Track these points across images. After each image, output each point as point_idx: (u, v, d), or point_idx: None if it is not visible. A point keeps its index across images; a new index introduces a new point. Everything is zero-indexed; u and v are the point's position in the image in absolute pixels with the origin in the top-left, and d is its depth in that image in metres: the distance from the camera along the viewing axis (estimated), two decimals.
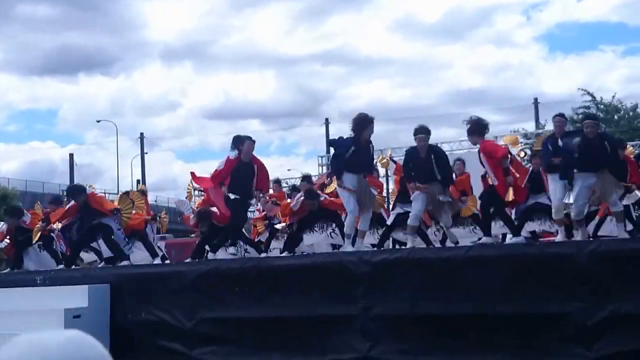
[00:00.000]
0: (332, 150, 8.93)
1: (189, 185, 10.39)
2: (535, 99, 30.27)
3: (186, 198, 10.81)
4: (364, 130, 7.66)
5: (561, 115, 8.21)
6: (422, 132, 7.83)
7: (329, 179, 9.31)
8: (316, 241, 9.23)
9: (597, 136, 7.01)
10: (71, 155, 42.26)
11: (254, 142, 8.77)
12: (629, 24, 70.92)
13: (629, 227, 8.01)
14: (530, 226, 9.04)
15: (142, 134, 42.25)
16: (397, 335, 6.59)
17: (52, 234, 10.37)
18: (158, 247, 11.01)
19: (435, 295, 6.46)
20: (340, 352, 6.75)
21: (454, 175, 9.01)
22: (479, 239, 7.84)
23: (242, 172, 8.54)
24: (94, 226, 9.18)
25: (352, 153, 7.59)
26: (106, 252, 9.63)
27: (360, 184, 7.70)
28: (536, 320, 6.09)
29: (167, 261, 10.26)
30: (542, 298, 6.07)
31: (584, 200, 7.07)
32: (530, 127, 27.19)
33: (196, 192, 10.83)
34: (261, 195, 9.20)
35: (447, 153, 9.06)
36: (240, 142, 8.63)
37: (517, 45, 72.65)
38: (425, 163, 7.69)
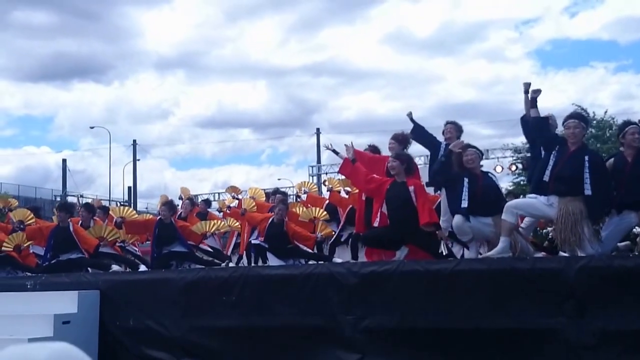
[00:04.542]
0: None
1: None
2: None
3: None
4: None
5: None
6: None
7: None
8: None
9: None
10: (64, 161, 42.26)
11: None
12: (620, 42, 71.62)
13: None
14: None
15: (134, 141, 42.42)
16: (385, 348, 6.60)
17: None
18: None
19: (424, 309, 6.47)
20: None
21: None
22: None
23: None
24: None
25: None
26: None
27: None
28: (526, 336, 6.11)
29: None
30: (531, 313, 6.09)
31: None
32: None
33: None
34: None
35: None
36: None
37: (509, 60, 73.17)
38: None
